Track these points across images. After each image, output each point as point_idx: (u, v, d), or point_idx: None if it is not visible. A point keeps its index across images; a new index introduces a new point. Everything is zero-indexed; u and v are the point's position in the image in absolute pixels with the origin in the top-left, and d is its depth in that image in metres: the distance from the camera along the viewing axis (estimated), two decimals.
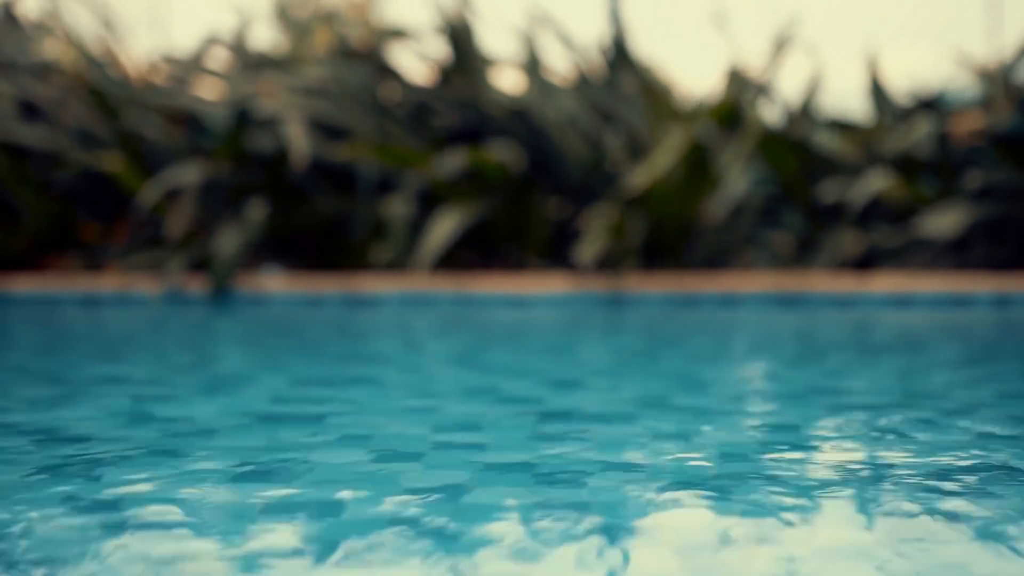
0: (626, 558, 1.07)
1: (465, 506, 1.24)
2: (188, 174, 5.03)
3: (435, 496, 1.29)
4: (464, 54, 5.41)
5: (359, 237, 5.15)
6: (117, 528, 1.17)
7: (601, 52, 5.50)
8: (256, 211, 4.93)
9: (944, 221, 4.89)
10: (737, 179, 5.00)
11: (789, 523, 1.19)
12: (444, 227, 4.80)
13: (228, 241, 4.75)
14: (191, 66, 5.72)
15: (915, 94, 5.64)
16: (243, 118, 5.05)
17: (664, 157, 4.85)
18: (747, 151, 5.01)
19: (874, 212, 5.24)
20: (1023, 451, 1.56)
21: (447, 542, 1.11)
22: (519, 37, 5.39)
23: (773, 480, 1.37)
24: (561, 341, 3.44)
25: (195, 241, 5.05)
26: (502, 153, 4.99)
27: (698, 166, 4.88)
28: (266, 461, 1.47)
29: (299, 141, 4.85)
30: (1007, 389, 2.22)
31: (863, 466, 1.46)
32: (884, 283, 4.70)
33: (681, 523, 1.20)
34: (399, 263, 4.94)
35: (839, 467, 1.47)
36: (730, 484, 1.34)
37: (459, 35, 5.42)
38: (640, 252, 4.99)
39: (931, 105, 5.57)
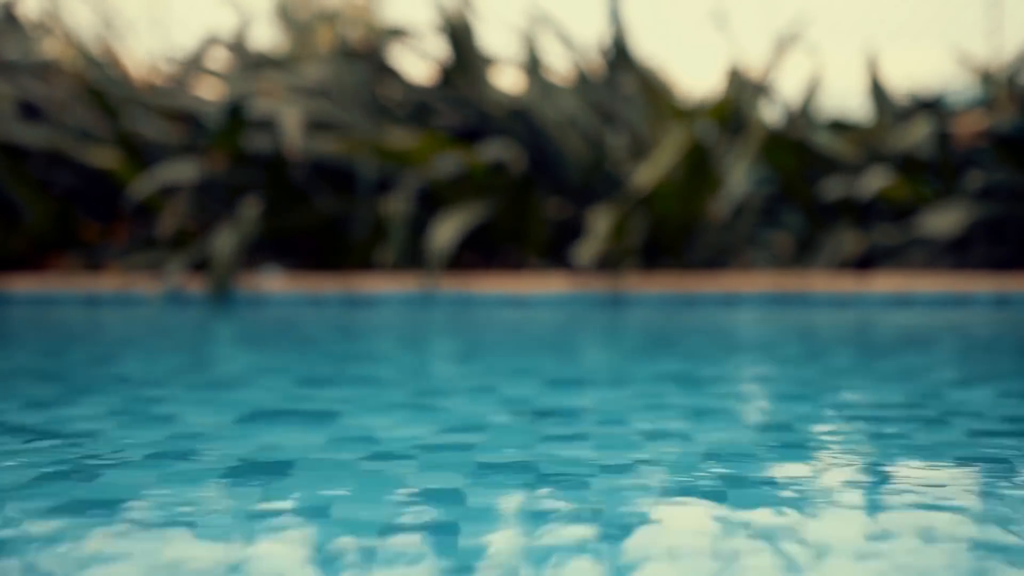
0: (626, 559, 1.07)
1: (464, 506, 1.24)
2: (184, 171, 5.02)
3: (434, 496, 1.29)
4: (464, 54, 5.41)
5: (359, 237, 5.15)
6: (117, 529, 1.17)
7: (601, 52, 5.50)
8: (250, 209, 4.92)
9: (944, 221, 4.90)
10: (739, 179, 5.00)
11: (789, 523, 1.19)
12: (450, 228, 4.79)
13: (224, 241, 4.74)
14: (191, 66, 5.72)
15: (915, 94, 5.64)
16: (238, 113, 5.03)
17: (665, 157, 4.85)
18: (749, 151, 5.01)
19: (874, 212, 5.24)
20: (1023, 450, 1.56)
21: (446, 542, 1.11)
22: (519, 37, 5.39)
23: (773, 480, 1.37)
24: (561, 341, 3.44)
25: (194, 240, 5.05)
26: (502, 153, 4.99)
27: (699, 166, 4.88)
28: (266, 461, 1.47)
29: (293, 132, 4.83)
30: (1007, 388, 2.22)
31: (863, 466, 1.46)
32: (884, 283, 4.70)
33: (681, 524, 1.20)
34: (399, 263, 4.94)
35: (839, 467, 1.47)
36: (730, 484, 1.34)
37: (459, 35, 5.42)
38: (640, 252, 4.99)
39: (931, 105, 5.56)
